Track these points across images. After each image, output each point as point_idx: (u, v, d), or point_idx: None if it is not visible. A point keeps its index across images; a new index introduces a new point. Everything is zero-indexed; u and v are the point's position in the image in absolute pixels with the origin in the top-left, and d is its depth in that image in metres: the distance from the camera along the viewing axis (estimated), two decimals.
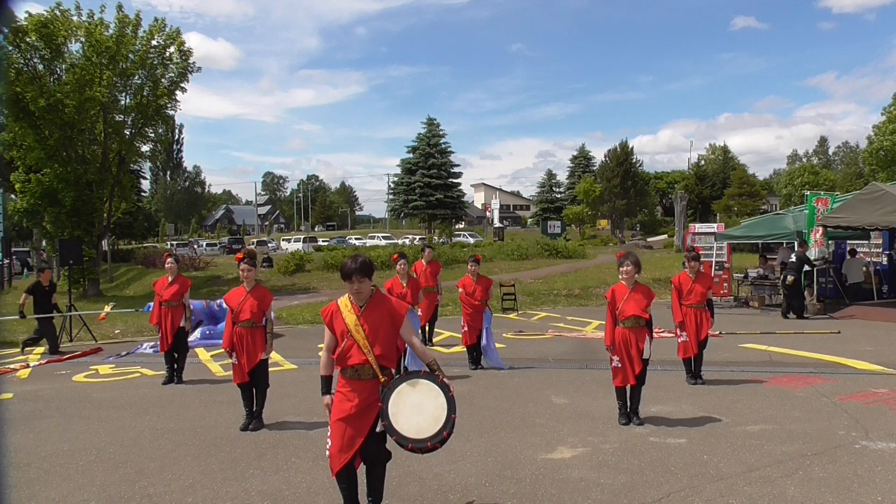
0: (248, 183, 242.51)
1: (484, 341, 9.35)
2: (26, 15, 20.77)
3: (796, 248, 15.70)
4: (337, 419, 3.91)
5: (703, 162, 79.99)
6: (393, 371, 4.04)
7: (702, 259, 9.32)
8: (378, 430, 3.90)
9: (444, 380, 3.89)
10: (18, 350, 12.13)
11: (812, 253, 15.26)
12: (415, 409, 3.82)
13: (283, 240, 60.24)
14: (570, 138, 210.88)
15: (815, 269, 15.30)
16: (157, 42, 23.10)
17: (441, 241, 44.51)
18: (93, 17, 22.21)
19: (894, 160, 45.67)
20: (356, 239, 57.71)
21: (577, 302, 18.96)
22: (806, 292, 15.50)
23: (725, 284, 18.18)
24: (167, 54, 23.43)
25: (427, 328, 11.44)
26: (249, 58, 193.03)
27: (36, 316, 12.09)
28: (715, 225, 21.09)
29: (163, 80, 23.70)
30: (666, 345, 10.17)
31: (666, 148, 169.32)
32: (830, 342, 11.23)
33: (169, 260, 9.27)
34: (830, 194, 16.42)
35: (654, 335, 6.95)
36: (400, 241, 47.43)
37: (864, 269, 16.98)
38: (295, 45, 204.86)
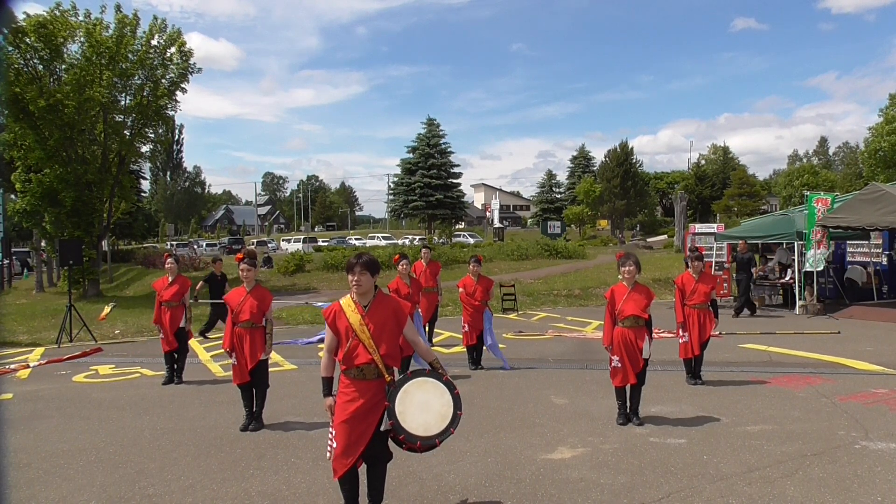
0: (248, 183, 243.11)
1: (489, 341, 9.33)
2: (25, 15, 20.78)
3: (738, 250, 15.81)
4: (341, 421, 3.88)
5: (703, 162, 79.98)
6: (396, 370, 4.05)
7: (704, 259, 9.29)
8: (383, 428, 3.90)
9: (448, 378, 3.91)
10: (200, 336, 12.95)
11: (815, 254, 15.20)
12: (421, 407, 3.85)
13: (283, 240, 60.23)
14: (570, 138, 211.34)
15: (815, 270, 15.27)
16: (158, 42, 23.08)
17: (441, 241, 44.50)
18: (89, 16, 22.19)
19: (893, 161, 45.67)
20: (356, 239, 57.72)
21: (577, 302, 18.97)
22: (806, 292, 15.51)
23: (725, 284, 18.17)
24: (167, 55, 23.41)
25: (427, 328, 11.42)
26: (250, 58, 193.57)
27: (210, 301, 13.68)
28: (715, 225, 21.09)
29: (163, 80, 23.68)
30: (666, 345, 10.18)
31: (666, 148, 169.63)
32: (830, 342, 11.23)
33: (169, 260, 9.27)
34: (830, 194, 16.39)
35: (654, 335, 6.95)
36: (400, 242, 47.45)
37: (864, 269, 16.98)
38: (295, 45, 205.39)
